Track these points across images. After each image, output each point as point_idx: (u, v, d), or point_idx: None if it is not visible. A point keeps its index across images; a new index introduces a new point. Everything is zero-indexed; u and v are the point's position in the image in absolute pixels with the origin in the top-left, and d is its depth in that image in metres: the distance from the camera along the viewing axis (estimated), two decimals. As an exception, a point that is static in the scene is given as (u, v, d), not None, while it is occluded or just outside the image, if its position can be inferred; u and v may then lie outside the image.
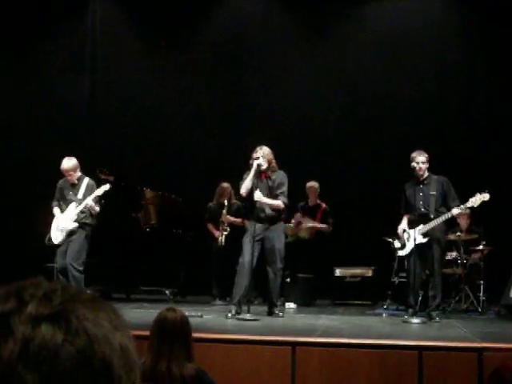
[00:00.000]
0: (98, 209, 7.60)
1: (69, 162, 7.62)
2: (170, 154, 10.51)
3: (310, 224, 9.20)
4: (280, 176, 7.36)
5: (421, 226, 7.22)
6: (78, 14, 11.06)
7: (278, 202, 7.24)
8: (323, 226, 9.20)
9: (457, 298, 8.16)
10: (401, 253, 7.60)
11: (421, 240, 7.21)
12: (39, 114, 10.85)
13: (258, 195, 7.08)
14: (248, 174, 7.23)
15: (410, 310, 7.20)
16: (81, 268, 7.42)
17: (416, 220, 7.29)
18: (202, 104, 10.70)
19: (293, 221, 9.25)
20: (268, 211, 7.22)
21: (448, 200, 7.26)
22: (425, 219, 7.23)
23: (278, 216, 7.33)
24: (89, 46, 11.00)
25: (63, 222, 7.54)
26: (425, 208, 7.28)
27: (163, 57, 10.92)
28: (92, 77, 11.03)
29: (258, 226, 7.06)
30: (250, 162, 7.23)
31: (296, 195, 9.23)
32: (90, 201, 7.45)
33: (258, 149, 7.24)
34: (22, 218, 9.78)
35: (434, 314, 7.08)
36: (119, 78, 10.94)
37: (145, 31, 11.06)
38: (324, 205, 9.28)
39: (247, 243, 7.08)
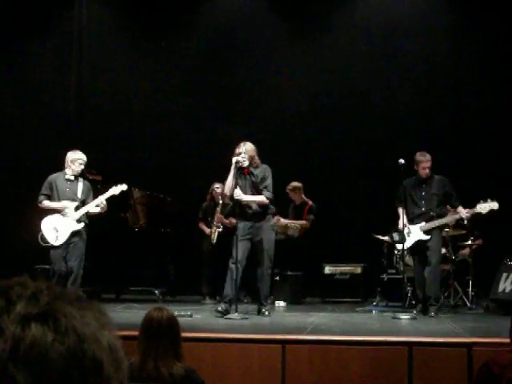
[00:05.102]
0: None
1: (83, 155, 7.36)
2: (159, 152, 10.46)
3: (284, 221, 9.09)
4: (263, 170, 7.11)
5: (423, 224, 7.37)
6: (65, 12, 10.99)
7: (261, 198, 6.98)
8: (302, 222, 9.09)
9: (446, 294, 8.20)
10: (399, 246, 7.71)
11: (422, 237, 7.36)
12: (26, 114, 10.77)
13: (237, 193, 6.88)
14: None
15: (419, 306, 7.32)
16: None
17: (417, 217, 7.45)
18: (190, 101, 10.65)
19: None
20: (255, 207, 7.03)
21: (451, 200, 7.49)
22: (426, 217, 7.40)
23: (264, 212, 7.08)
24: (76, 45, 10.92)
25: (67, 222, 7.16)
26: (427, 207, 7.44)
27: (152, 55, 10.87)
28: (79, 76, 10.94)
29: (246, 223, 6.91)
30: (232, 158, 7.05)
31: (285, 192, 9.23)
32: (104, 200, 7.30)
33: (241, 144, 7.04)
34: (8, 219, 9.74)
35: (430, 308, 7.17)
36: (107, 77, 10.88)
37: (133, 29, 10.97)
38: (310, 202, 9.24)
39: (237, 241, 6.99)
